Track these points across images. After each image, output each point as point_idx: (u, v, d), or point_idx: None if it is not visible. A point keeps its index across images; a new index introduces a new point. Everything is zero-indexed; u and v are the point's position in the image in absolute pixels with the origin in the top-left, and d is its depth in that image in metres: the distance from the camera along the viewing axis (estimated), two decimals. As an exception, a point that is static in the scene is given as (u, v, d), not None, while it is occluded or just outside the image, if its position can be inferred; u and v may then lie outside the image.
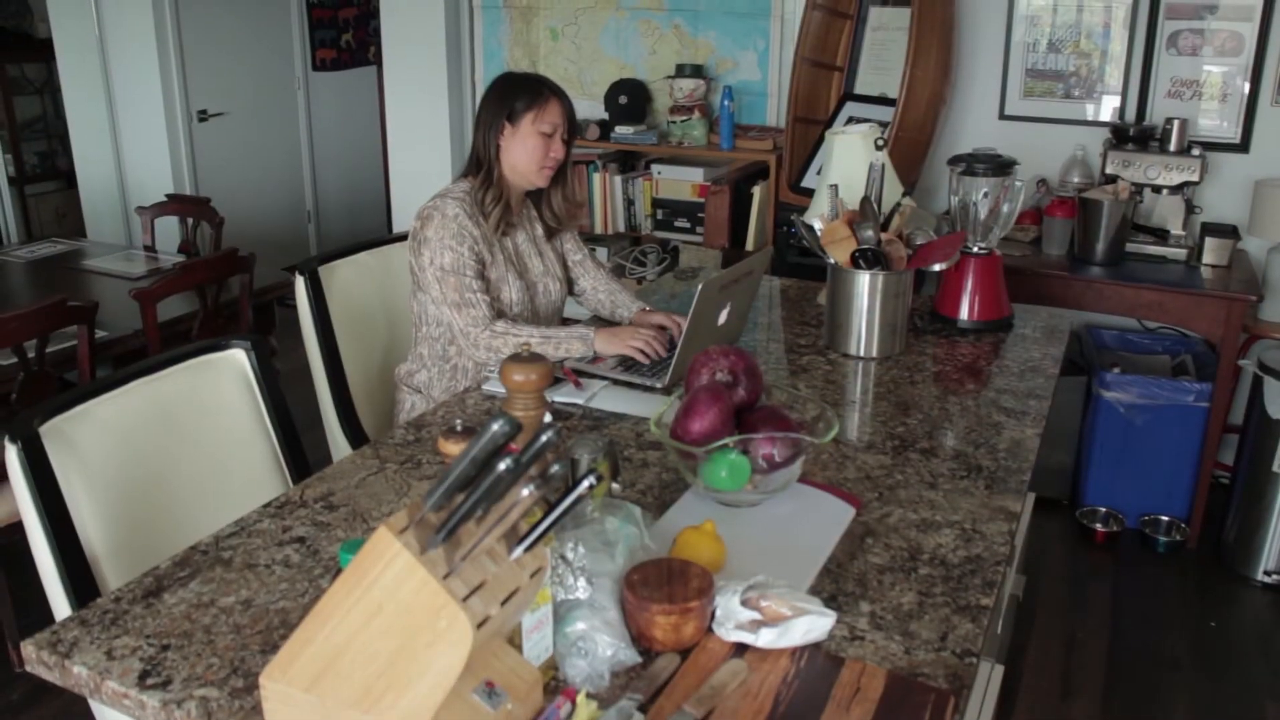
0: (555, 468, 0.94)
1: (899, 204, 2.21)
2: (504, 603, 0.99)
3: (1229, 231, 3.50)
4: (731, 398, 1.55)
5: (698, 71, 4.17)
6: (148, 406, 1.76)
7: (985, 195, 2.39)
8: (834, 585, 1.38)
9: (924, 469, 1.73)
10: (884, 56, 3.86)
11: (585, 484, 0.96)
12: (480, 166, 2.30)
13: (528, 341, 2.13)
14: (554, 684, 1.17)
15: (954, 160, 2.40)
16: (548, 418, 1.48)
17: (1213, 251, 3.48)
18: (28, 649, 1.27)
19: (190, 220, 4.05)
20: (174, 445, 1.79)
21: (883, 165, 2.17)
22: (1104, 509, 3.63)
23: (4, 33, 6.34)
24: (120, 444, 1.70)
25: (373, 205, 6.74)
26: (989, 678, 2.16)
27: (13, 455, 1.55)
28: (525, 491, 0.91)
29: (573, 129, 2.34)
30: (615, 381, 2.05)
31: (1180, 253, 3.53)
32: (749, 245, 3.90)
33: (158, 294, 2.93)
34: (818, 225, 2.20)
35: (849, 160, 2.38)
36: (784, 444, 1.48)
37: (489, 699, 1.05)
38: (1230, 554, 3.43)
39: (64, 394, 1.65)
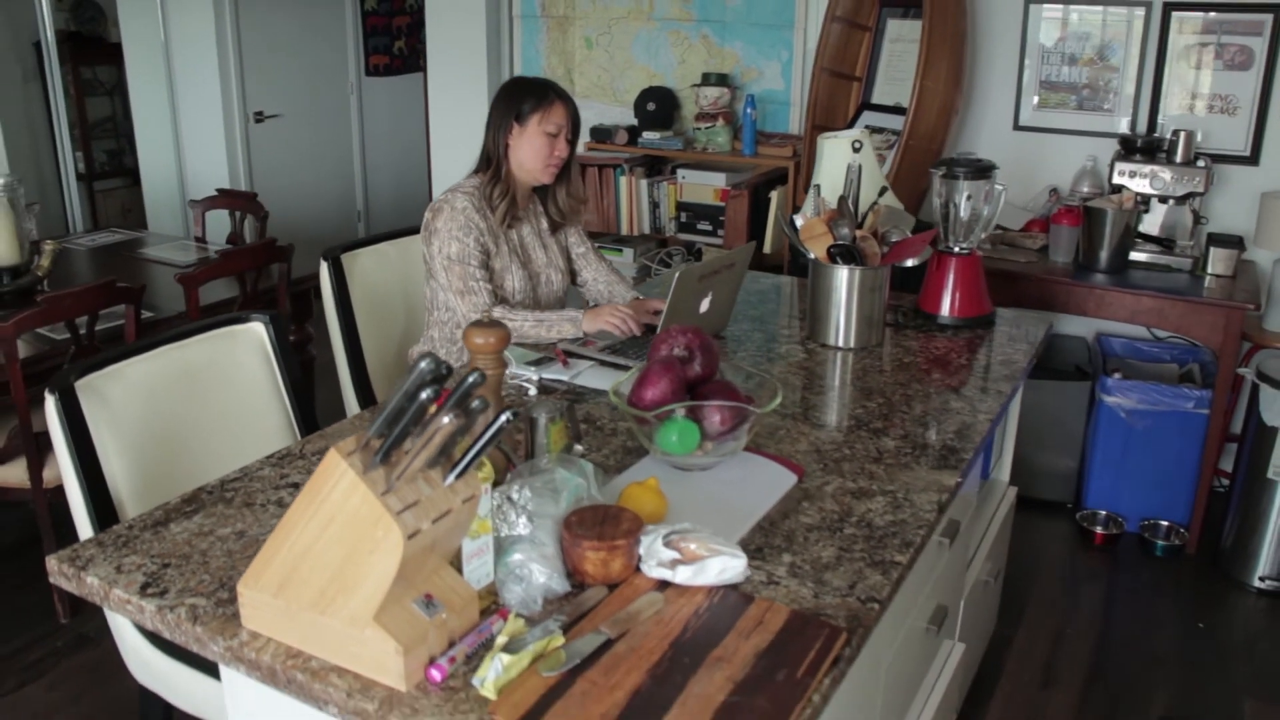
0: (476, 403, 1.10)
1: (875, 203, 2.35)
2: (435, 520, 1.16)
3: (1234, 242, 3.57)
4: (686, 371, 1.71)
5: (723, 80, 4.33)
6: (173, 369, 1.96)
7: (968, 198, 2.52)
8: (763, 539, 1.53)
9: (871, 445, 1.87)
10: (900, 67, 3.99)
11: (504, 417, 1.12)
12: (490, 163, 2.49)
13: (521, 325, 2.30)
14: (493, 608, 1.33)
15: (937, 164, 2.53)
16: (510, 375, 1.64)
17: (1218, 261, 3.55)
18: (51, 562, 1.46)
19: (238, 214, 4.29)
20: (195, 405, 1.98)
21: (859, 166, 2.31)
22: (1104, 512, 3.71)
23: (79, 37, 6.68)
24: (147, 401, 1.90)
25: (421, 206, 6.96)
26: (948, 657, 2.29)
27: (51, 405, 1.75)
28: (446, 419, 1.07)
29: (576, 130, 2.51)
30: (600, 362, 2.21)
31: (1185, 262, 3.61)
32: (766, 248, 4.04)
33: (199, 279, 3.15)
34: (799, 221, 2.35)
35: (835, 162, 2.53)
36: (727, 413, 1.63)
37: (426, 608, 1.21)
38: (1227, 559, 3.50)
39: (99, 354, 1.85)
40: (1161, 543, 3.61)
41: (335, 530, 1.16)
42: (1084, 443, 3.77)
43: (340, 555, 1.17)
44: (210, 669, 1.79)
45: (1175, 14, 3.75)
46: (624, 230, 4.41)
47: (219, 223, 4.70)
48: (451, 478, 1.17)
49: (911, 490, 1.70)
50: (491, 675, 1.16)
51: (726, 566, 1.37)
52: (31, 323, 2.77)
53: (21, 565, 3.35)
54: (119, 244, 4.26)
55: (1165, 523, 3.64)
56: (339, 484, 1.14)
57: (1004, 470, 2.80)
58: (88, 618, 3.09)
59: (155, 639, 1.82)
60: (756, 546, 1.50)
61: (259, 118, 5.88)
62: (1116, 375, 3.64)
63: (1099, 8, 3.84)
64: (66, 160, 5.91)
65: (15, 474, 2.97)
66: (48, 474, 2.95)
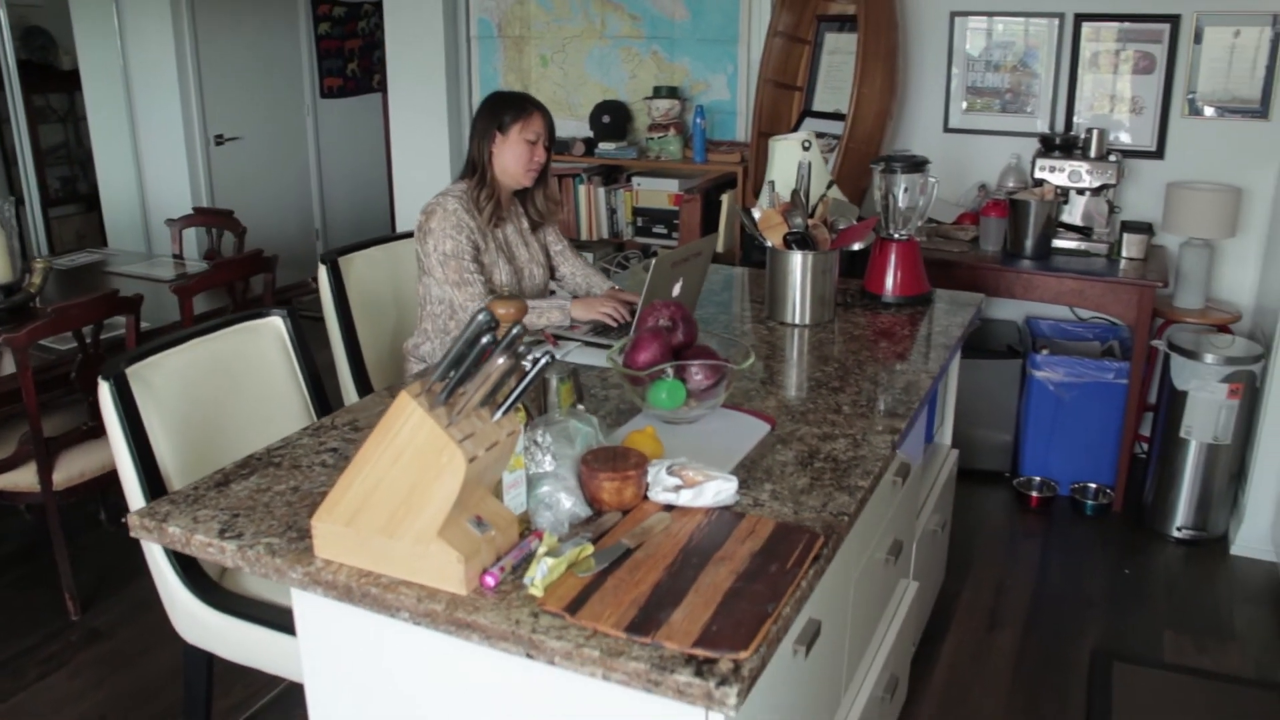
0: (521, 348, 1.36)
1: (823, 195, 2.64)
2: (488, 449, 1.41)
3: (1145, 228, 3.93)
4: (671, 338, 1.97)
5: (673, 93, 4.62)
6: (206, 359, 2.18)
7: (905, 190, 2.82)
8: (745, 474, 1.80)
9: (831, 400, 2.15)
10: (838, 77, 4.31)
11: (544, 359, 1.38)
12: (475, 169, 2.74)
13: (514, 311, 2.55)
14: (528, 530, 1.58)
15: (876, 161, 2.83)
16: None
17: (1131, 246, 3.91)
18: (133, 519, 1.68)
19: (215, 230, 4.48)
20: (226, 389, 2.21)
21: (809, 164, 2.60)
22: (1038, 478, 4.05)
23: (30, 65, 6.79)
24: (185, 386, 2.12)
25: (377, 224, 7.18)
26: (904, 593, 2.57)
27: (105, 390, 1.97)
28: (500, 361, 1.32)
29: (552, 138, 2.77)
30: (585, 343, 2.47)
31: (1102, 247, 3.96)
32: (719, 247, 4.33)
33: (193, 289, 3.35)
34: (757, 214, 2.63)
35: (787, 161, 2.81)
36: (709, 370, 1.90)
37: (478, 527, 1.46)
38: (1149, 514, 3.84)
39: (141, 346, 2.07)
40: (1090, 503, 3.94)
41: (405, 461, 1.40)
42: (1018, 416, 4.10)
43: (408, 483, 1.41)
44: (258, 620, 2.01)
45: (1085, 24, 4.11)
46: (584, 235, 4.68)
47: (188, 241, 4.89)
48: (500, 413, 1.42)
49: (868, 433, 1.98)
50: (539, 575, 1.41)
51: (721, 489, 1.63)
52: (43, 332, 2.96)
53: (31, 568, 3.51)
54: (96, 264, 4.43)
55: (1093, 485, 3.98)
56: (409, 421, 1.39)
57: (946, 435, 3.10)
58: (98, 613, 3.27)
59: (206, 598, 2.04)
60: (741, 480, 1.77)
61: (219, 140, 6.06)
62: (1044, 352, 3.98)
63: (1018, 19, 4.18)
64: (31, 186, 6.03)
65: (26, 478, 3.14)
66: (57, 477, 3.13)
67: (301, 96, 6.62)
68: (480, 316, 1.31)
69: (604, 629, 1.34)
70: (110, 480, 3.27)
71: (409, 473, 1.41)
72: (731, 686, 1.25)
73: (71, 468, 3.14)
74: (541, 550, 1.46)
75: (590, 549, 1.49)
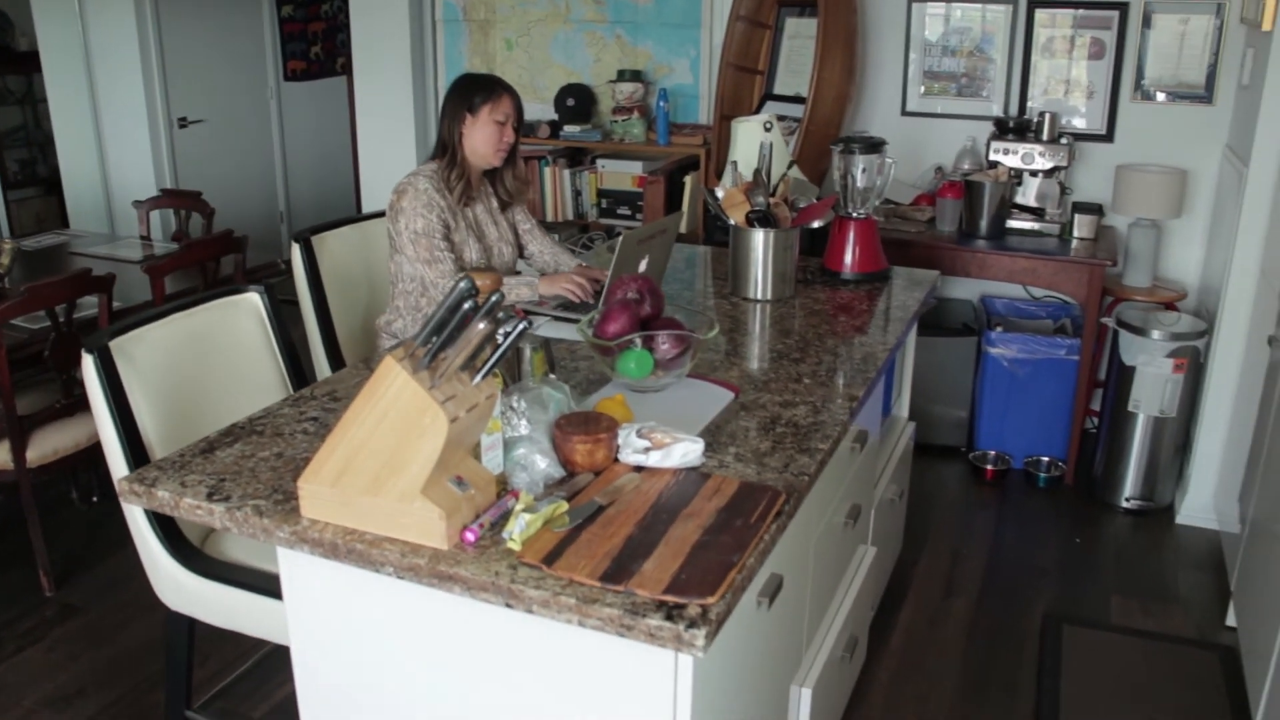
0: (500, 314, 1.43)
1: (784, 175, 2.73)
2: (468, 411, 1.48)
3: (1095, 209, 4.05)
4: (639, 310, 2.05)
5: (637, 76, 4.69)
6: (186, 333, 2.24)
7: (863, 171, 2.92)
8: (711, 438, 1.88)
9: (793, 370, 2.24)
10: (799, 61, 4.40)
11: (521, 325, 1.46)
12: (446, 150, 2.80)
13: (486, 288, 2.63)
14: (505, 491, 1.66)
15: (835, 142, 2.92)
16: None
17: (1081, 226, 4.03)
18: (121, 484, 1.74)
19: (183, 212, 4.51)
20: (205, 363, 2.27)
21: (771, 145, 2.69)
22: (993, 452, 4.17)
23: (-13, 47, 6.75)
24: (166, 359, 2.18)
25: (342, 207, 7.19)
26: (863, 558, 2.67)
27: (89, 362, 2.02)
28: (480, 326, 1.40)
29: (521, 119, 2.84)
30: (554, 318, 2.55)
31: (1054, 227, 4.08)
32: (683, 228, 4.41)
33: (165, 269, 3.39)
34: (720, 194, 2.72)
35: (749, 142, 2.90)
36: (675, 340, 1.98)
37: (459, 486, 1.54)
38: (1099, 486, 3.98)
39: (123, 320, 2.13)
40: (1043, 475, 4.08)
41: (389, 423, 1.48)
42: (973, 392, 4.22)
43: (392, 444, 1.49)
44: (239, 584, 2.08)
45: (1039, 10, 4.22)
46: (549, 217, 4.74)
47: (153, 223, 4.90)
48: (479, 377, 1.50)
49: (827, 400, 2.08)
50: (517, 529, 1.49)
51: (688, 450, 1.72)
52: (16, 311, 2.99)
53: (5, 546, 3.54)
54: (62, 245, 4.44)
55: (1046, 458, 4.11)
56: (393, 384, 1.46)
57: (904, 408, 3.21)
58: (72, 590, 3.31)
59: (188, 564, 2.10)
60: (707, 444, 1.85)
61: (183, 123, 6.06)
62: (999, 329, 4.10)
63: (974, 5, 4.29)
64: (-6, 168, 6.00)
65: (-1, 456, 3.17)
66: (30, 455, 3.16)
67: (265, 79, 6.62)
68: (462, 284, 1.38)
69: (579, 579, 1.42)
70: (81, 459, 3.31)
71: (393, 433, 1.48)
72: (700, 629, 1.34)
73: (45, 445, 3.18)
74: (519, 507, 1.54)
75: (565, 506, 1.57)
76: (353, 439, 1.52)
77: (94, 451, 3.32)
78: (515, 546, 1.49)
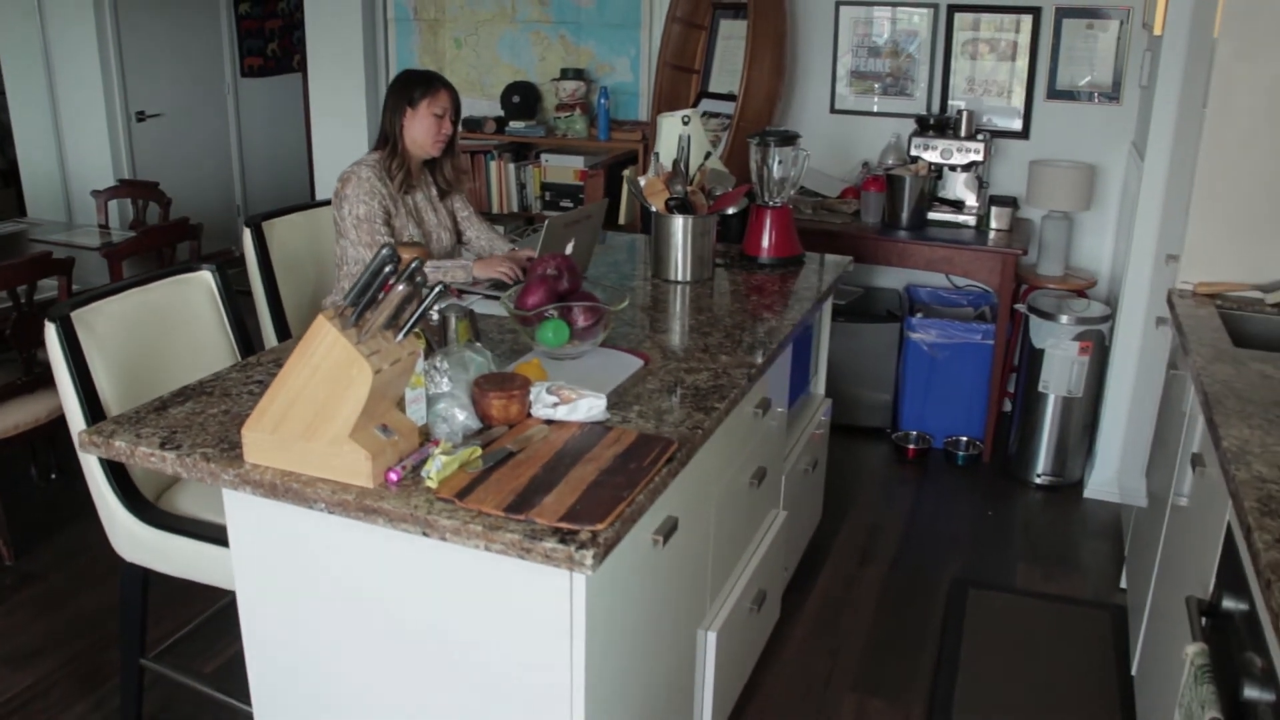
0: (419, 278, 1.63)
1: (702, 165, 2.94)
2: (391, 364, 1.68)
3: (1010, 202, 4.30)
4: (558, 285, 2.26)
5: (579, 75, 4.90)
6: (142, 307, 2.42)
7: (779, 162, 3.14)
8: (617, 399, 2.09)
9: (701, 342, 2.46)
10: (732, 60, 4.62)
11: (438, 289, 1.66)
12: (387, 141, 3.00)
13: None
14: (426, 441, 1.86)
15: (751, 135, 3.14)
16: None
17: (997, 218, 4.28)
18: (81, 437, 1.92)
19: (141, 202, 4.66)
20: (160, 335, 2.45)
21: (689, 137, 2.90)
22: (915, 432, 4.41)
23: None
24: (124, 331, 2.36)
25: (296, 199, 7.31)
26: (773, 520, 2.89)
27: (51, 331, 2.20)
28: (400, 287, 1.60)
29: (458, 112, 3.04)
30: (485, 295, 2.75)
31: (972, 219, 4.33)
32: (621, 220, 4.61)
33: (123, 253, 3.56)
34: (642, 183, 2.93)
35: (671, 134, 3.11)
36: (588, 311, 2.19)
37: (384, 433, 1.74)
38: (1014, 463, 4.23)
39: (84, 293, 2.30)
40: (962, 454, 4.32)
41: (320, 375, 1.67)
42: (896, 376, 4.46)
43: (324, 394, 1.68)
44: (191, 534, 2.26)
45: (958, 14, 4.47)
46: (495, 209, 4.94)
47: (111, 213, 5.04)
48: (401, 335, 1.70)
49: (729, 368, 2.29)
50: (434, 469, 1.69)
51: (593, 405, 1.93)
52: (-22, 291, 3.15)
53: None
54: (20, 232, 4.58)
55: (965, 437, 4.36)
56: (324, 340, 1.66)
57: (820, 385, 3.44)
58: (31, 560, 3.46)
59: (143, 516, 2.28)
60: (612, 403, 2.06)
61: (140, 117, 6.19)
62: (919, 315, 4.34)
63: (897, 9, 4.53)
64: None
65: (-40, 432, 3.32)
66: (-7, 427, 3.32)
67: (223, 75, 6.76)
68: (384, 251, 1.58)
69: (487, 509, 1.62)
70: (41, 434, 3.47)
71: (324, 385, 1.68)
72: (588, 550, 1.54)
73: (5, 420, 3.33)
74: (437, 452, 1.74)
75: (479, 450, 1.77)
76: (289, 389, 1.71)
77: (53, 427, 3.48)
78: (432, 484, 1.69)
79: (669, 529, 1.95)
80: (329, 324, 1.65)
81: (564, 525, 1.59)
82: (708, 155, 3.01)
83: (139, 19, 6.07)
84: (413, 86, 2.97)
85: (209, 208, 6.67)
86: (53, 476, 3.98)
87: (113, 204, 4.98)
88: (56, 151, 6.16)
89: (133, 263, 3.81)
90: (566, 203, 4.82)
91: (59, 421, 3.47)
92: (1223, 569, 1.92)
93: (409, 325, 1.69)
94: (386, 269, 1.57)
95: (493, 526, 1.59)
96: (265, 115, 7.10)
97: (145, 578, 2.41)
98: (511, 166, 4.87)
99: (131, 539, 2.30)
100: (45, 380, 3.45)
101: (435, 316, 2.12)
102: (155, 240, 3.70)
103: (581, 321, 2.21)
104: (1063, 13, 4.30)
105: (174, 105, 6.40)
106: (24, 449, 3.59)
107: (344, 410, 1.67)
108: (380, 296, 1.64)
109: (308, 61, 5.37)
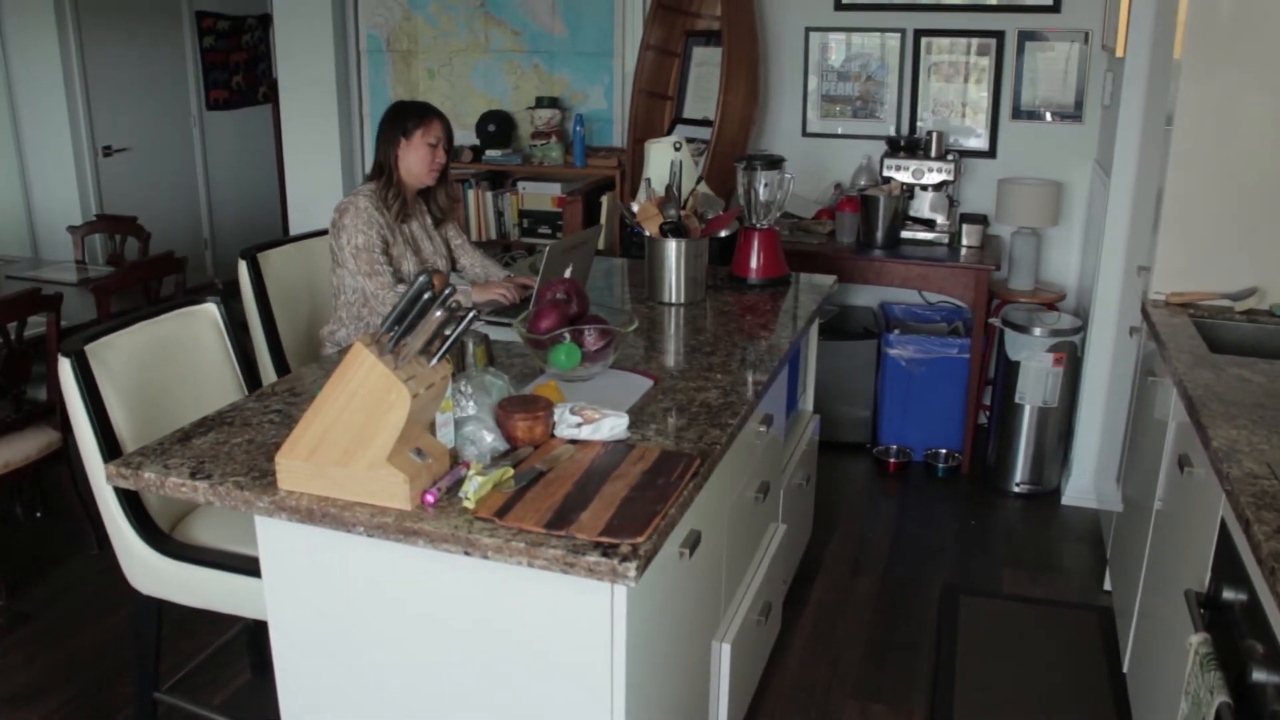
0: (454, 303, 1.68)
1: (694, 190, 3.01)
2: (427, 389, 1.73)
3: (981, 219, 4.42)
4: (567, 309, 2.31)
5: (554, 103, 4.97)
6: (151, 340, 2.44)
7: (765, 185, 3.22)
8: (634, 418, 2.15)
9: (705, 361, 2.52)
10: (706, 86, 4.71)
11: (470, 316, 1.70)
12: (383, 171, 3.04)
13: (425, 296, 2.87)
14: (456, 463, 1.90)
15: (738, 159, 3.22)
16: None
17: (969, 236, 4.40)
18: (110, 469, 1.94)
19: (119, 236, 4.65)
20: (170, 366, 2.47)
21: (680, 162, 2.98)
22: (895, 446, 4.51)
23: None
24: (135, 363, 2.37)
25: (267, 233, 7.32)
26: (774, 533, 2.96)
27: (66, 365, 2.21)
28: (438, 313, 1.64)
29: (450, 141, 3.09)
30: (488, 321, 2.80)
31: (944, 237, 4.45)
32: (600, 245, 4.68)
33: (111, 288, 3.56)
34: (635, 208, 2.99)
35: (661, 160, 3.19)
36: (600, 333, 2.25)
37: (419, 456, 1.78)
38: (992, 473, 4.33)
39: (96, 327, 2.32)
40: (941, 466, 4.42)
41: (358, 401, 1.71)
42: (875, 392, 4.55)
43: (361, 419, 1.72)
44: (208, 564, 2.28)
45: (924, 39, 4.60)
46: (473, 236, 4.98)
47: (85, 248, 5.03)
48: (435, 359, 1.74)
49: (735, 385, 2.36)
50: (472, 489, 1.73)
51: (615, 424, 1.98)
52: (-30, 329, 3.14)
53: (-47, 558, 3.65)
54: (-6, 272, 4.55)
55: (944, 450, 4.46)
56: (362, 366, 1.70)
57: (809, 402, 3.51)
58: (24, 599, 3.43)
59: (160, 548, 2.29)
60: (631, 422, 2.12)
61: (107, 151, 6.17)
62: (896, 332, 4.44)
63: (870, 34, 4.65)
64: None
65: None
66: (-17, 467, 3.30)
67: (188, 108, 6.76)
68: (421, 279, 1.63)
69: (527, 527, 1.67)
70: (27, 474, 3.45)
71: (362, 410, 1.72)
72: (631, 563, 1.59)
73: (31, 442, 3.32)
74: (471, 473, 1.78)
75: (511, 471, 1.82)
76: (325, 417, 1.75)
77: (39, 466, 3.46)
78: (470, 504, 1.73)
79: (694, 542, 2.00)
80: (366, 350, 1.69)
81: (605, 539, 1.63)
82: (699, 180, 3.08)
83: (103, 52, 6.06)
84: (406, 117, 3.02)
85: (177, 241, 6.64)
86: (37, 515, 3.95)
87: (88, 239, 4.96)
88: (21, 186, 6.12)
89: (118, 297, 3.80)
90: (544, 229, 4.88)
91: (45, 460, 3.46)
92: (1218, 562, 2.00)
93: (443, 350, 1.73)
94: (425, 295, 1.61)
95: (535, 543, 1.64)
96: (232, 148, 7.10)
97: (159, 610, 2.42)
98: (489, 194, 4.92)
99: (148, 571, 2.31)
100: (35, 417, 3.44)
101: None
102: (142, 274, 3.70)
103: (592, 344, 2.27)
104: (1024, 35, 4.44)
105: (140, 139, 6.38)
106: (10, 488, 3.57)
107: (382, 435, 1.71)
108: (414, 323, 1.68)
109: (280, 94, 5.39)
